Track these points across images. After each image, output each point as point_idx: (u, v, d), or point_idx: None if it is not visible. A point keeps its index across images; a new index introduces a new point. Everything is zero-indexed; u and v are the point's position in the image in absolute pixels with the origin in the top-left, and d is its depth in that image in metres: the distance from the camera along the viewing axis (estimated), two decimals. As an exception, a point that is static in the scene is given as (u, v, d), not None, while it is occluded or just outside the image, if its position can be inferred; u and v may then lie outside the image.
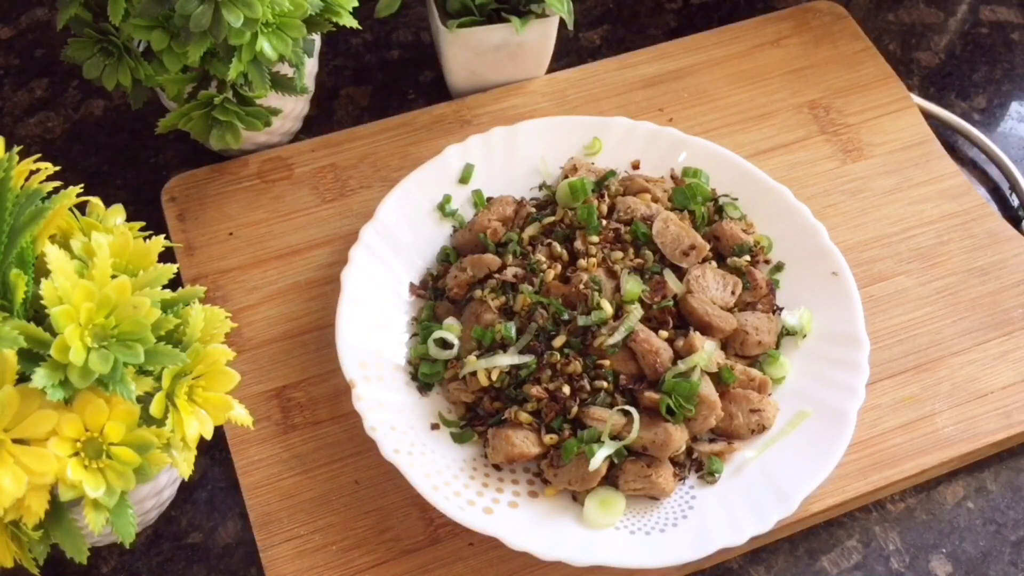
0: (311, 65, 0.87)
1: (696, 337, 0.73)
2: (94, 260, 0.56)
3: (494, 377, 0.73)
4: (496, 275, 0.77)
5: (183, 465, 0.59)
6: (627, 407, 0.71)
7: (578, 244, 0.78)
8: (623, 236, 0.78)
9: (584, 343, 0.73)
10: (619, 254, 0.77)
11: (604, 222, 0.79)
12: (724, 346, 0.76)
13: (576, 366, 0.72)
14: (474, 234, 0.81)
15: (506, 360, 0.73)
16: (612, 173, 0.84)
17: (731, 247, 0.80)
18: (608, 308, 0.73)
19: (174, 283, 0.60)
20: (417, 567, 0.70)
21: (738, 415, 0.73)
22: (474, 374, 0.73)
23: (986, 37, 1.03)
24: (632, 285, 0.74)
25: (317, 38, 0.86)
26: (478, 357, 0.73)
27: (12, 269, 0.56)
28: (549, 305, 0.74)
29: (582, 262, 0.76)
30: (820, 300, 0.79)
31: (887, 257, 0.85)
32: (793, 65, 0.96)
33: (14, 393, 0.53)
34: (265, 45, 0.72)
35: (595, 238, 0.78)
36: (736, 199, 0.84)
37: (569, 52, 1.01)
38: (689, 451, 0.73)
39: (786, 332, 0.78)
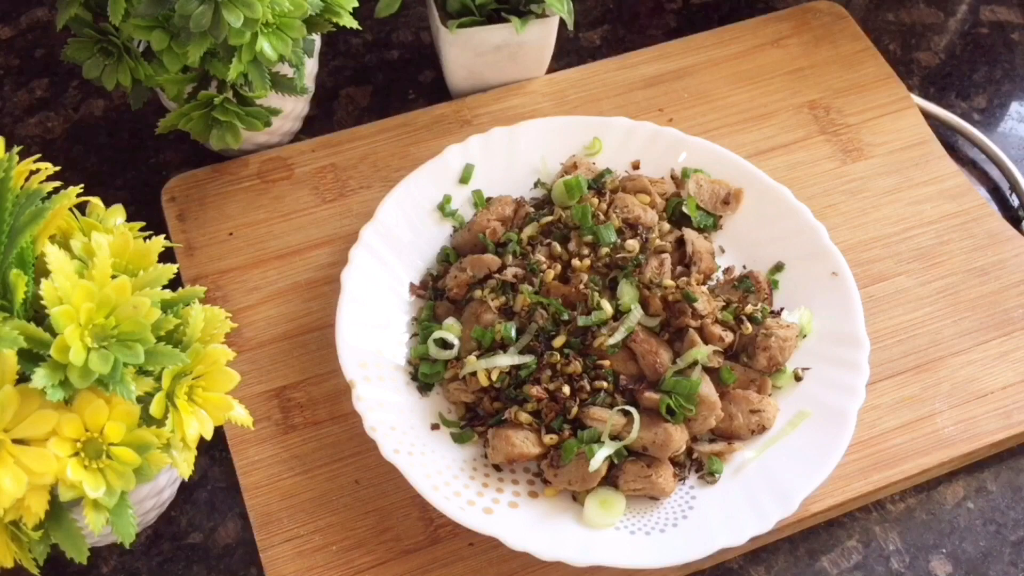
0: (311, 65, 0.86)
1: (695, 334, 0.73)
2: (94, 260, 0.56)
3: (494, 377, 0.73)
4: (496, 275, 0.77)
5: (183, 465, 0.59)
6: (627, 407, 0.71)
7: (572, 245, 0.78)
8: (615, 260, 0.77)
9: (584, 343, 0.73)
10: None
11: (592, 251, 0.77)
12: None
13: (576, 366, 0.72)
14: (474, 234, 0.81)
15: (506, 360, 0.73)
16: (608, 171, 0.84)
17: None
18: (608, 308, 0.73)
19: (174, 283, 0.60)
20: (417, 567, 0.70)
21: (738, 415, 0.73)
22: (474, 374, 0.73)
23: (986, 37, 1.03)
24: (628, 293, 0.74)
25: (317, 38, 0.86)
26: (478, 357, 0.73)
27: (12, 269, 0.56)
28: (549, 305, 0.74)
29: (576, 263, 0.76)
30: (820, 300, 0.78)
31: (887, 257, 0.85)
32: (793, 65, 0.96)
33: (14, 393, 0.53)
34: (265, 45, 0.72)
35: (589, 237, 0.77)
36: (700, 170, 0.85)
37: (569, 52, 1.01)
38: (689, 451, 0.73)
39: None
